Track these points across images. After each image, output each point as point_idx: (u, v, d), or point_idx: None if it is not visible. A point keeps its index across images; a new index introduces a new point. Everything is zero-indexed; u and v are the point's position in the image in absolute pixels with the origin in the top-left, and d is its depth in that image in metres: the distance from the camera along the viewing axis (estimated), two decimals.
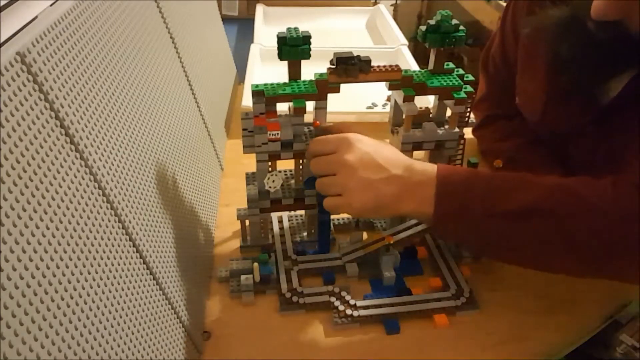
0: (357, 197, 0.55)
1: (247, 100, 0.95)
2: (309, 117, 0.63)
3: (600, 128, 0.68)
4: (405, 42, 1.28)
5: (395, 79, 0.62)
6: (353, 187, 0.55)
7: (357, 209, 0.56)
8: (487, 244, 0.57)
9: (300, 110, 0.61)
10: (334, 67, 0.60)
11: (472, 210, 0.53)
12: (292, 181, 0.69)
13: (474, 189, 0.54)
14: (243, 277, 0.64)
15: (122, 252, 0.45)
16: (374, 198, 0.55)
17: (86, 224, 0.40)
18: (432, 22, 0.62)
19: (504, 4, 1.73)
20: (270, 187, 0.64)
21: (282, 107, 0.61)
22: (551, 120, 0.75)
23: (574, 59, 0.62)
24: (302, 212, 0.75)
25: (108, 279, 0.41)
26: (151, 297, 0.48)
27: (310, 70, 0.62)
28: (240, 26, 1.69)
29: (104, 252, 0.42)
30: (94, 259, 0.40)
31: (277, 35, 0.59)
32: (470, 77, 0.66)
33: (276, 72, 0.70)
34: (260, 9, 1.49)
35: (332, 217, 0.69)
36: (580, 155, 0.73)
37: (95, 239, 0.41)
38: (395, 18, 1.79)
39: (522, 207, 0.52)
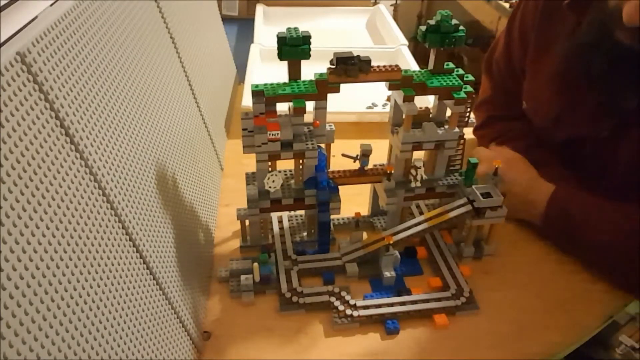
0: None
1: (247, 100, 0.95)
2: (309, 117, 0.63)
3: (618, 131, 0.68)
4: (405, 42, 1.28)
5: (395, 79, 0.62)
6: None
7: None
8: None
9: (300, 110, 0.61)
10: (334, 67, 0.60)
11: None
12: (292, 181, 0.69)
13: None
14: (243, 277, 0.64)
15: (122, 252, 0.45)
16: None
17: (86, 224, 0.40)
18: (432, 22, 0.62)
19: (504, 4, 1.74)
20: (270, 187, 0.64)
21: (282, 107, 0.61)
22: (565, 126, 0.75)
23: (605, 77, 0.63)
24: (302, 212, 0.75)
25: (108, 279, 0.41)
26: (151, 297, 0.48)
27: (310, 70, 0.62)
28: (240, 26, 1.69)
29: (104, 252, 0.42)
30: (94, 259, 0.40)
31: (277, 35, 0.59)
32: (470, 77, 0.66)
33: (276, 72, 0.70)
34: (260, 9, 1.49)
35: (332, 217, 0.69)
36: (594, 157, 0.73)
37: (95, 239, 0.41)
38: (395, 18, 1.79)
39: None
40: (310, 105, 0.62)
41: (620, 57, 0.61)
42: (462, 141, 0.69)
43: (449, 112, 0.66)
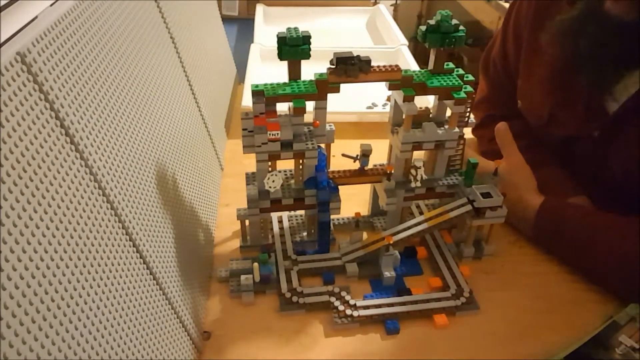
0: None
1: (247, 100, 0.95)
2: (309, 117, 0.63)
3: (609, 131, 0.68)
4: (405, 42, 1.28)
5: (395, 79, 0.62)
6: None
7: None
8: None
9: (300, 110, 0.61)
10: (334, 67, 0.60)
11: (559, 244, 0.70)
12: (292, 181, 0.69)
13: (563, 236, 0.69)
14: (243, 277, 0.64)
15: (122, 252, 0.45)
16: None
17: (86, 224, 0.40)
18: (432, 22, 0.62)
19: (504, 4, 1.74)
20: (270, 187, 0.64)
21: (282, 107, 0.61)
22: (557, 126, 0.75)
23: (594, 52, 0.63)
24: (302, 212, 0.75)
25: (108, 279, 0.41)
26: (151, 297, 0.48)
27: (310, 70, 0.62)
28: (240, 26, 1.70)
29: (104, 252, 0.42)
30: (94, 259, 0.40)
31: (277, 35, 0.59)
32: (470, 77, 0.66)
33: (276, 72, 0.70)
34: (260, 9, 1.49)
35: (332, 217, 0.69)
36: (588, 157, 0.73)
37: (95, 239, 0.41)
38: (395, 18, 1.79)
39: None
40: (310, 105, 0.62)
41: (608, 31, 0.61)
42: (462, 141, 0.69)
43: (449, 112, 0.66)
